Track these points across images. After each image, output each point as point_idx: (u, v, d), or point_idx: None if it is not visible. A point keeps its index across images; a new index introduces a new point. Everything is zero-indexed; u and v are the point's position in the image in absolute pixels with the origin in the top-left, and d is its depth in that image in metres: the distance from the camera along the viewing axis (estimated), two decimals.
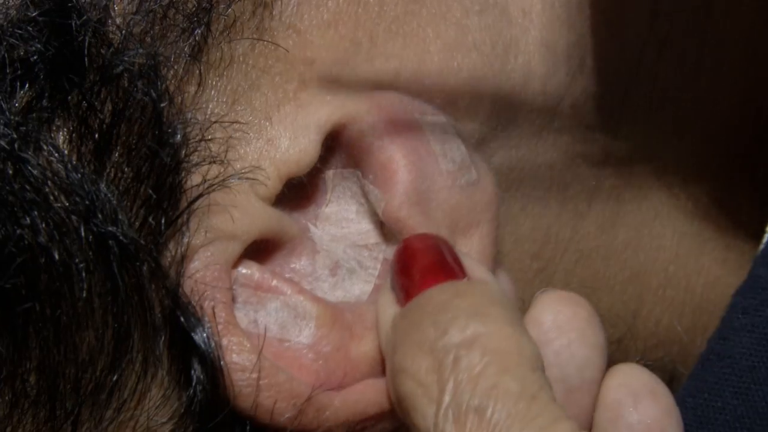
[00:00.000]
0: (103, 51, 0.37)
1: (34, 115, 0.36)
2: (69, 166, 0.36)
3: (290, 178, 0.39)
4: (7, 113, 0.36)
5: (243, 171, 0.38)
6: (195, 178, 0.38)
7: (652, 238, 0.48)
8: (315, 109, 0.39)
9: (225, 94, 0.39)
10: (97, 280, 0.36)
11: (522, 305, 0.42)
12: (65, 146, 0.36)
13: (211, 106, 0.38)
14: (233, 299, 0.38)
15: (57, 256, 0.36)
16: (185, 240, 0.38)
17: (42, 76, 0.36)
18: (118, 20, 0.37)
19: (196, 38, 0.38)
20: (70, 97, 0.37)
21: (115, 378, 0.37)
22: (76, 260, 0.36)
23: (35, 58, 0.36)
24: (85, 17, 0.37)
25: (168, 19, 0.38)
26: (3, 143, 0.35)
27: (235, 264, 0.39)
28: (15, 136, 0.36)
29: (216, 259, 0.38)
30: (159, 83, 0.37)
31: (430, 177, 0.40)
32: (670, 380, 0.48)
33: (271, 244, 0.40)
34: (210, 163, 0.38)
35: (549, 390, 0.36)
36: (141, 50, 0.37)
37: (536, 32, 0.43)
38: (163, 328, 0.37)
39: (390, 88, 0.41)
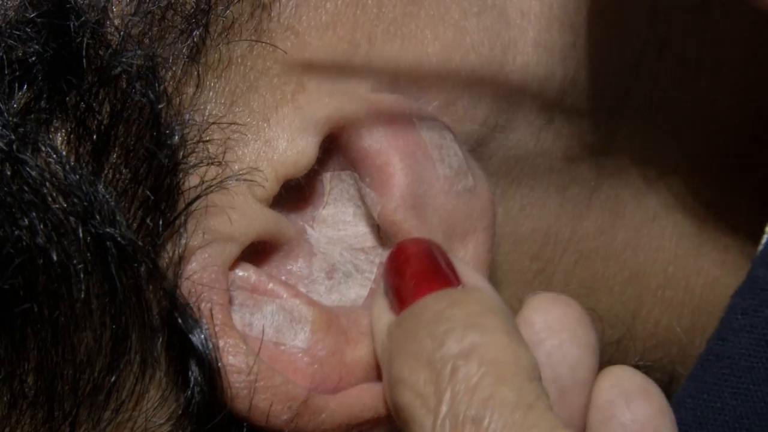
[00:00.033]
0: (101, 52, 0.37)
1: (32, 116, 0.36)
2: (67, 167, 0.36)
3: (288, 180, 0.39)
4: (6, 114, 0.36)
5: (241, 172, 0.38)
6: (193, 180, 0.38)
7: (651, 238, 0.48)
8: (313, 110, 0.39)
9: (223, 95, 0.39)
10: (95, 282, 0.36)
11: (521, 306, 0.42)
12: (63, 147, 0.36)
13: (209, 107, 0.38)
14: (230, 301, 0.38)
15: (55, 257, 0.36)
16: (183, 241, 0.37)
17: (40, 78, 0.36)
18: (117, 21, 0.37)
19: (195, 40, 0.38)
20: (68, 99, 0.36)
21: (113, 379, 0.37)
22: (74, 261, 0.36)
23: (33, 59, 0.36)
24: (83, 18, 0.37)
25: (166, 21, 0.38)
26: (1, 144, 0.35)
27: (233, 266, 0.39)
28: (13, 137, 0.36)
29: (213, 260, 0.38)
30: (157, 84, 0.37)
31: (426, 181, 0.40)
32: (670, 381, 0.48)
33: (268, 245, 0.40)
34: (208, 164, 0.38)
35: (546, 399, 0.36)
36: (139, 51, 0.37)
37: (535, 33, 0.43)
38: (160, 329, 0.37)
39: (388, 90, 0.41)
